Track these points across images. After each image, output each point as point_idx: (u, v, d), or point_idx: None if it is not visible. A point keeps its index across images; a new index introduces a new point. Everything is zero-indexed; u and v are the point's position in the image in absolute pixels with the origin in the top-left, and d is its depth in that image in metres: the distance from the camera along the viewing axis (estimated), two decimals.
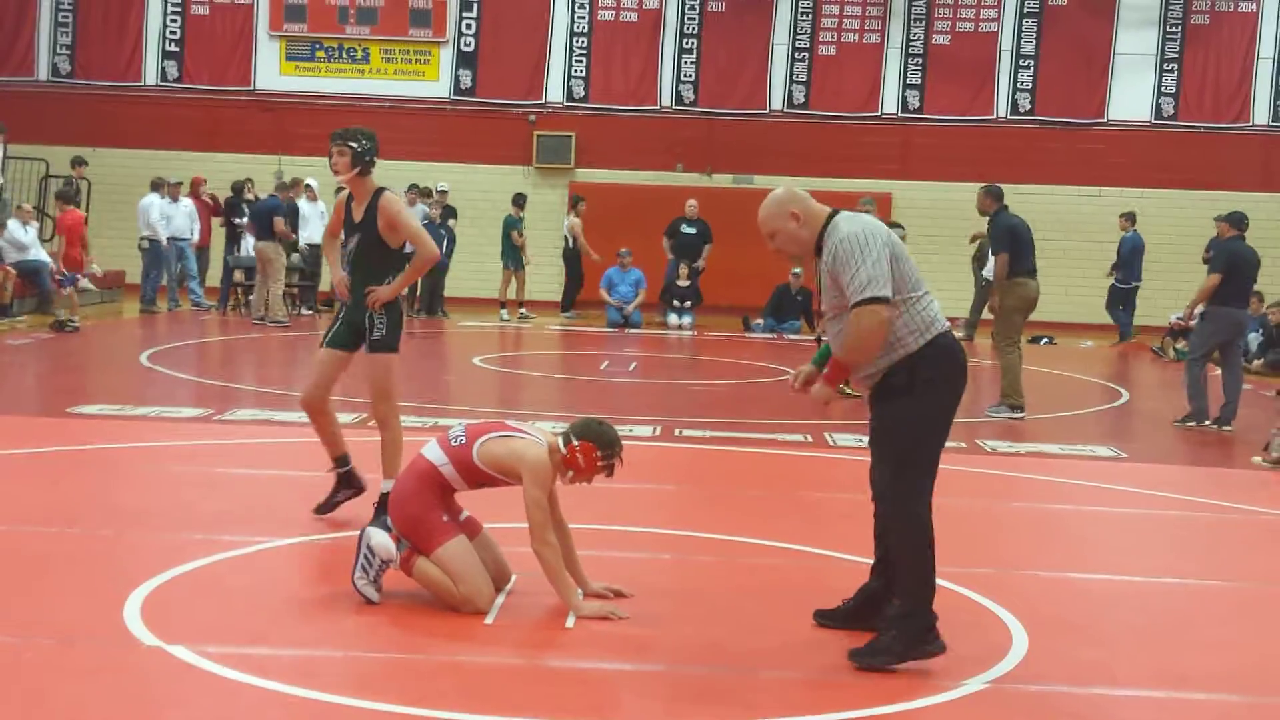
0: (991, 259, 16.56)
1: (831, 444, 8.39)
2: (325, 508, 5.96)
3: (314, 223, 17.11)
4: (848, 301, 4.11)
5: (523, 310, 17.86)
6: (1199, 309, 10.29)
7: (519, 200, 18.17)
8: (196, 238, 17.51)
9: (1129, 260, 17.32)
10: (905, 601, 4.20)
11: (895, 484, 4.20)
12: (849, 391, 10.38)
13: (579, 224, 18.03)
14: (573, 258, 18.17)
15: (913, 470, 4.19)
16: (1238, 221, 10.22)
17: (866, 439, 4.52)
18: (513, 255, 17.74)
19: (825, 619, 4.58)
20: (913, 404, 4.16)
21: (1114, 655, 4.49)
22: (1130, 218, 17.60)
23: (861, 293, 4.06)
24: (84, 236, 15.25)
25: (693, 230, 17.76)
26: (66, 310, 14.15)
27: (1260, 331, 14.53)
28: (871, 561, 4.57)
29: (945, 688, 4.05)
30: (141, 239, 16.88)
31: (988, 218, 10.50)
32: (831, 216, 4.25)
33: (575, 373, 13.05)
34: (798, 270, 17.28)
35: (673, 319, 17.52)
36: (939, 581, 4.25)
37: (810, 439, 8.58)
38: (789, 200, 4.29)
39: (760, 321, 17.45)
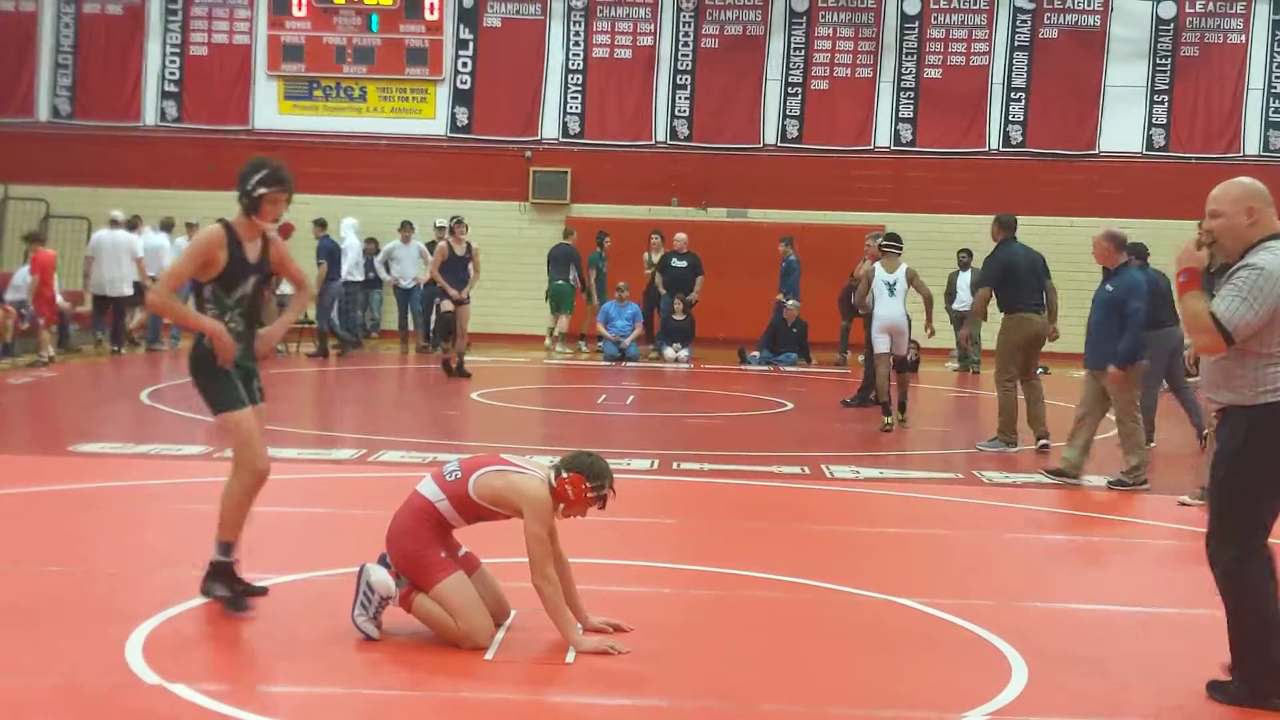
0: (961, 291, 16.65)
1: (829, 476, 8.40)
2: None
3: (352, 258, 17.31)
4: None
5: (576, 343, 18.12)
6: None
7: (601, 239, 18.28)
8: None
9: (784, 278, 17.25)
10: (1239, 662, 4.19)
11: (1215, 531, 4.18)
12: (901, 418, 10.68)
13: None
14: (653, 294, 18.13)
15: (1231, 523, 4.13)
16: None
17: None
18: (598, 288, 17.99)
19: (1217, 693, 4.31)
20: (1240, 456, 4.10)
21: (1114, 686, 4.49)
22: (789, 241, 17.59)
23: (1221, 316, 3.99)
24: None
25: (683, 264, 17.81)
26: (31, 353, 14.01)
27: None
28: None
29: None
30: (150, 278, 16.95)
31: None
32: (1274, 237, 4.08)
33: (573, 407, 13.07)
34: (792, 303, 17.32)
35: (669, 351, 17.59)
36: (937, 614, 4.25)
37: (808, 471, 8.59)
38: (1254, 196, 4.10)
39: (756, 354, 17.50)
